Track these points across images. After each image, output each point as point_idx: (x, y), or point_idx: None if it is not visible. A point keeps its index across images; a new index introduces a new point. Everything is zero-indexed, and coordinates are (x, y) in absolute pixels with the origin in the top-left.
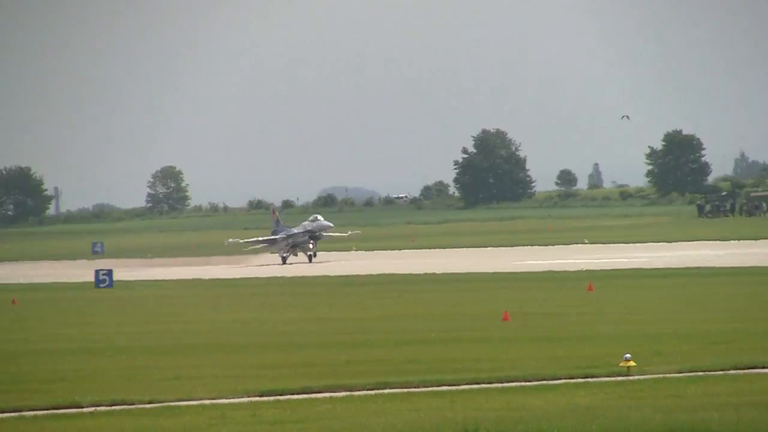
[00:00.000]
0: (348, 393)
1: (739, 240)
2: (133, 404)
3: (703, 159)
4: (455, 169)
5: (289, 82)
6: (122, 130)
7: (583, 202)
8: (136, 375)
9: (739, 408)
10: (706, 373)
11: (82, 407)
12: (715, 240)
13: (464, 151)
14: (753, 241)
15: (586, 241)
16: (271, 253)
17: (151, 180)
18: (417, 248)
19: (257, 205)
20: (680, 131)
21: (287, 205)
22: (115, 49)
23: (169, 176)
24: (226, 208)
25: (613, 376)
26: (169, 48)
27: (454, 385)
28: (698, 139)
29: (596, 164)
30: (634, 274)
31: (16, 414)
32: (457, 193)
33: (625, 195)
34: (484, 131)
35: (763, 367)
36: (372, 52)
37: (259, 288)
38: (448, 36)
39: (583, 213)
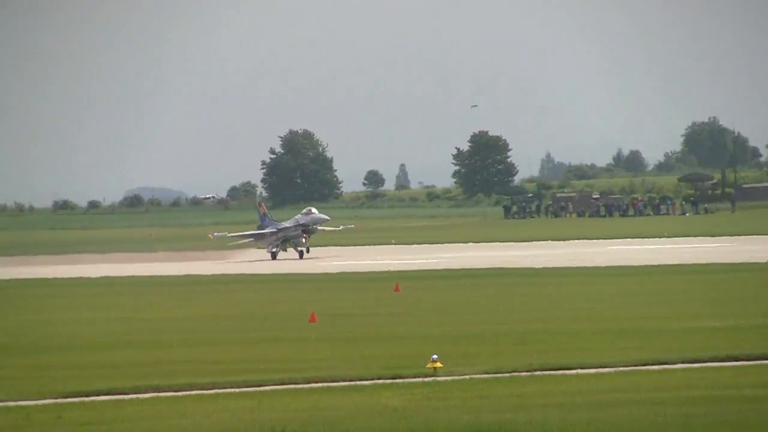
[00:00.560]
0: (155, 394)
1: (544, 241)
2: None
3: (509, 160)
4: (262, 169)
5: (92, 79)
6: None
7: (390, 202)
8: None
9: (545, 408)
10: (513, 374)
11: None
12: (521, 241)
13: (271, 151)
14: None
15: (393, 242)
16: (258, 248)
17: None
18: (221, 249)
19: (63, 206)
20: (486, 132)
21: (93, 205)
22: None
23: None
24: (32, 208)
25: (421, 377)
26: None
27: (262, 385)
28: (504, 140)
29: (402, 165)
30: (442, 275)
31: None
32: (264, 194)
33: (432, 196)
34: (291, 131)
35: (569, 368)
36: (170, 51)
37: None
38: (252, 37)
39: (391, 213)
